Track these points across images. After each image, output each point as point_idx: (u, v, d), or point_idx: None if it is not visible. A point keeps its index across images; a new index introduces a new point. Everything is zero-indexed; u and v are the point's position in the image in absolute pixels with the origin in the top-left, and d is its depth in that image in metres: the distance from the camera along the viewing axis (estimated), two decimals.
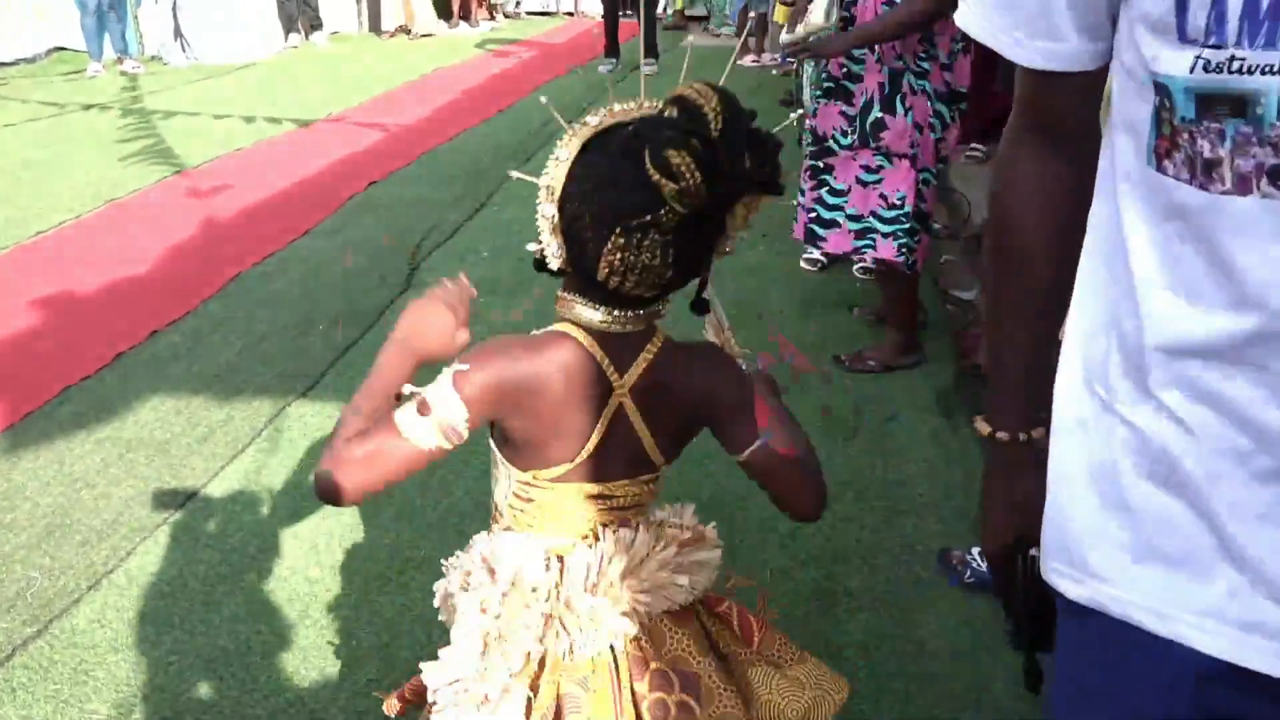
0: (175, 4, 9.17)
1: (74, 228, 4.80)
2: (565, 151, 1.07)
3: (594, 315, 1.11)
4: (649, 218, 1.00)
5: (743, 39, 9.21)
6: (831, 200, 3.14)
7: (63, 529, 2.51)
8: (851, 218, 3.11)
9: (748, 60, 8.98)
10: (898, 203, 3.00)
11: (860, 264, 4.04)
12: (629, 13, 9.15)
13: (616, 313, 1.11)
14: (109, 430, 2.97)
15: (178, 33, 9.29)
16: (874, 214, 3.06)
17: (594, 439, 1.14)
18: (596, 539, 1.20)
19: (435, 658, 1.15)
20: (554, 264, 1.11)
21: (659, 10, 10.73)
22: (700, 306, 1.20)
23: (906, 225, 3.01)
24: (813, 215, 3.19)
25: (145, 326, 3.65)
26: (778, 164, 1.03)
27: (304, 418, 3.02)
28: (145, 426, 2.99)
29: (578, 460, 1.15)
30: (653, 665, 1.17)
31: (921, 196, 3.04)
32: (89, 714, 1.94)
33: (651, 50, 8.65)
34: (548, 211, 1.08)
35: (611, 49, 8.73)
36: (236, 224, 4.85)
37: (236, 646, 2.10)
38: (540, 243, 1.11)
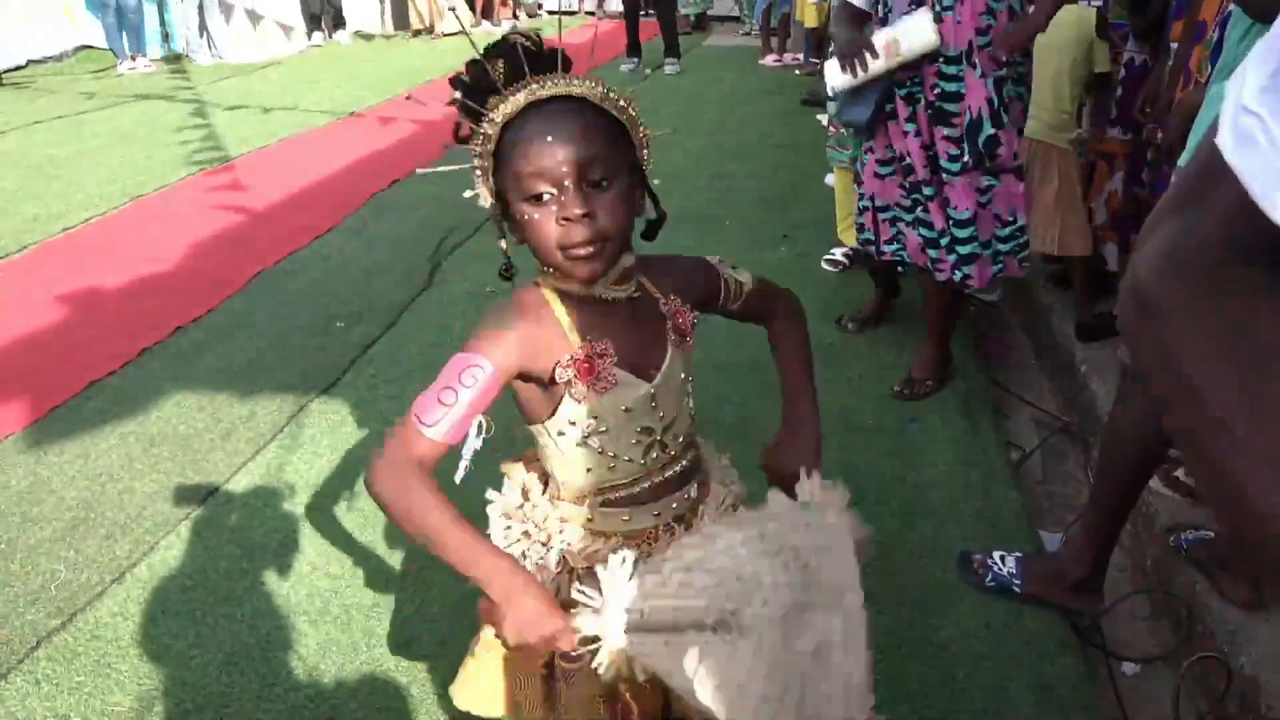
0: (201, 3, 9.24)
1: (99, 224, 4.84)
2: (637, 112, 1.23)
3: None
4: None
5: (765, 39, 9.20)
6: (961, 234, 2.85)
7: (87, 523, 2.53)
8: (983, 244, 2.87)
9: (769, 60, 8.96)
10: (1011, 219, 2.84)
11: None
12: (649, 12, 9.13)
13: None
14: (133, 425, 2.99)
15: (203, 30, 9.37)
16: (995, 236, 2.87)
17: None
18: None
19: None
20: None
21: (680, 11, 10.71)
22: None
23: (1022, 240, 2.88)
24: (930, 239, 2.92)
25: (169, 323, 3.68)
26: None
27: (325, 414, 3.04)
28: (169, 422, 3.01)
29: None
30: None
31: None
32: (111, 706, 1.96)
33: (673, 50, 8.64)
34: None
35: (633, 48, 8.72)
36: (260, 221, 4.88)
37: (257, 641, 2.12)
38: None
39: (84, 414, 3.07)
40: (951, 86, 2.73)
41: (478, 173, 1.19)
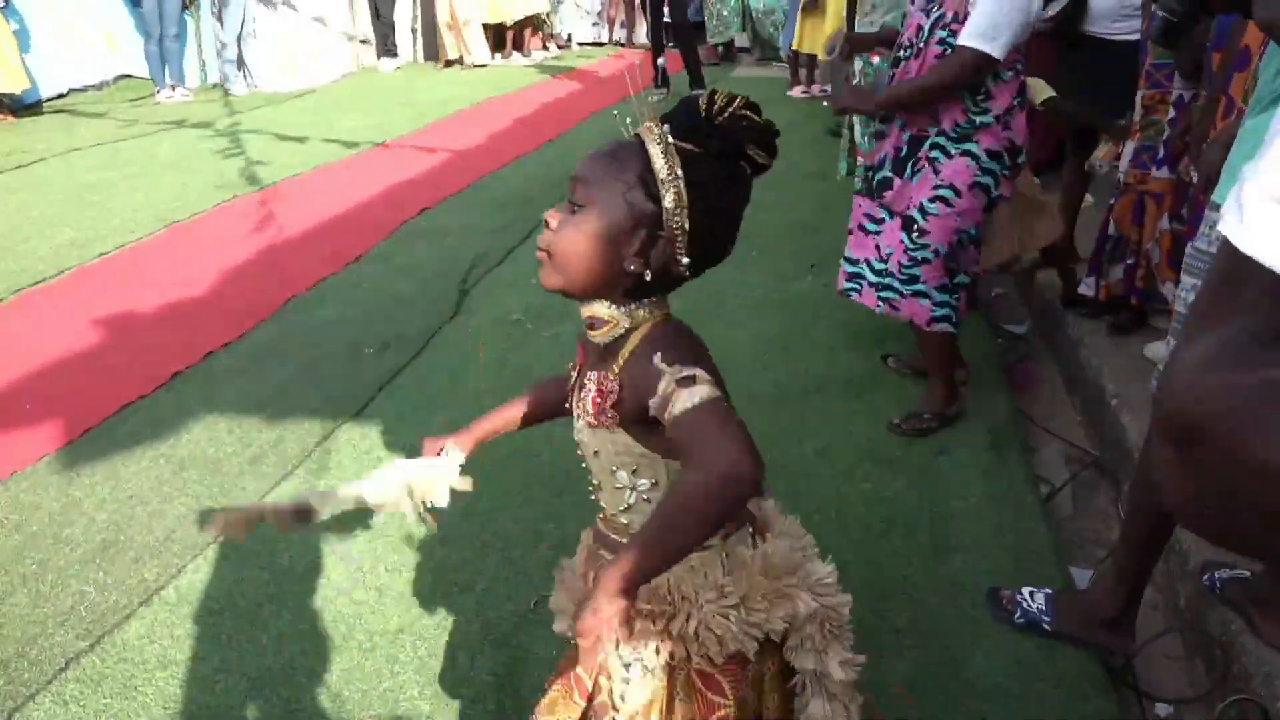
0: (241, 33, 9.41)
1: (133, 250, 4.92)
2: (672, 172, 1.15)
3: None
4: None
5: (793, 70, 9.24)
6: (878, 265, 3.09)
7: (116, 545, 2.55)
8: (848, 260, 3.12)
9: (797, 91, 8.99)
10: (885, 258, 2.98)
11: None
12: (672, 44, 9.19)
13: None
14: (164, 449, 3.02)
15: (240, 60, 9.53)
16: (866, 262, 3.05)
17: None
18: None
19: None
20: (680, 268, 1.20)
21: (708, 43, 10.77)
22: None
23: (885, 280, 2.98)
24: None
25: (201, 348, 3.73)
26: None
27: (353, 441, 3.06)
28: (198, 445, 3.04)
29: None
30: None
31: (953, 257, 2.90)
32: None
33: (698, 81, 8.69)
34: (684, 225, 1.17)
35: (661, 79, 8.78)
36: (291, 248, 4.94)
37: (281, 666, 2.12)
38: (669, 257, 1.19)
39: (115, 437, 3.10)
40: (883, 126, 3.04)
41: None
